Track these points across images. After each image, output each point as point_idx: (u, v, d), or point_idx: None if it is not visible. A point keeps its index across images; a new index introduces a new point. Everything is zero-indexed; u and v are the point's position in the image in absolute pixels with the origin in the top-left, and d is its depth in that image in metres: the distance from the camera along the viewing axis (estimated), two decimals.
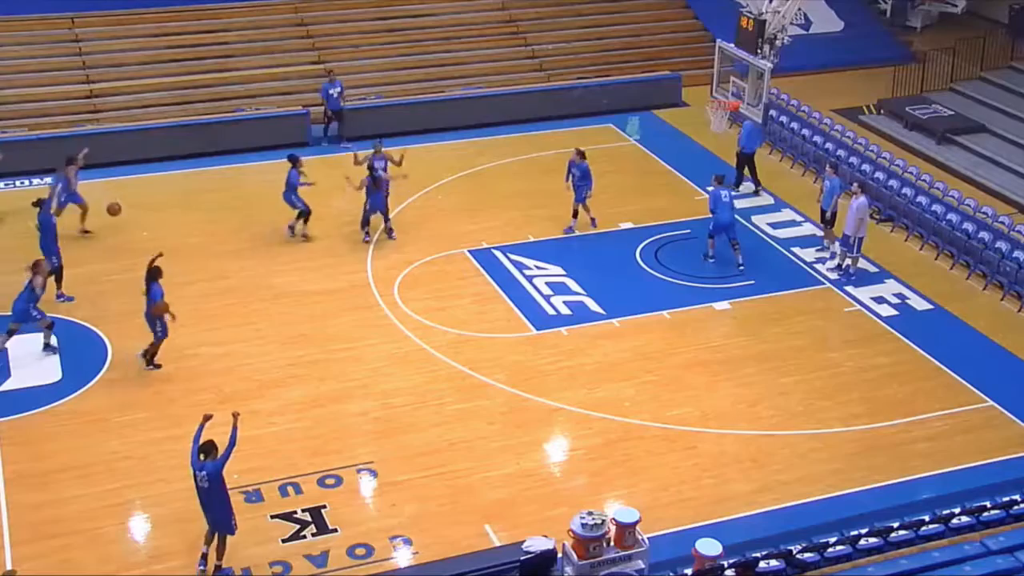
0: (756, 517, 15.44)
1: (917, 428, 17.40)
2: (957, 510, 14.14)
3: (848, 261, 21.63)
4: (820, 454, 16.77)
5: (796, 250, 22.63)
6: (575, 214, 22.95)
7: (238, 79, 29.42)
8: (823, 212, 22.18)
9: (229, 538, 14.22)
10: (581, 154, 22.76)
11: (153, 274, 18.28)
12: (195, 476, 13.87)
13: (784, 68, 24.42)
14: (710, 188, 22.31)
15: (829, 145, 25.93)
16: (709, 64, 28.75)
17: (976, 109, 28.88)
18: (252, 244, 22.02)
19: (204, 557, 14.29)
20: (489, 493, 15.85)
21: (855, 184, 21.87)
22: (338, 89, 27.00)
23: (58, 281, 20.42)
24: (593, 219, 23.15)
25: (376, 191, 21.95)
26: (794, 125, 27.00)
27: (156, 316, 18.13)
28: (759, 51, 22.80)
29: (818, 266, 22.00)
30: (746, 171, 25.00)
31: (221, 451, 13.83)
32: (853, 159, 25.27)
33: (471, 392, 18.05)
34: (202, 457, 13.78)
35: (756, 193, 24.99)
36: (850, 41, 33.84)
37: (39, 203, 20.68)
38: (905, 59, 31.86)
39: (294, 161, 22.27)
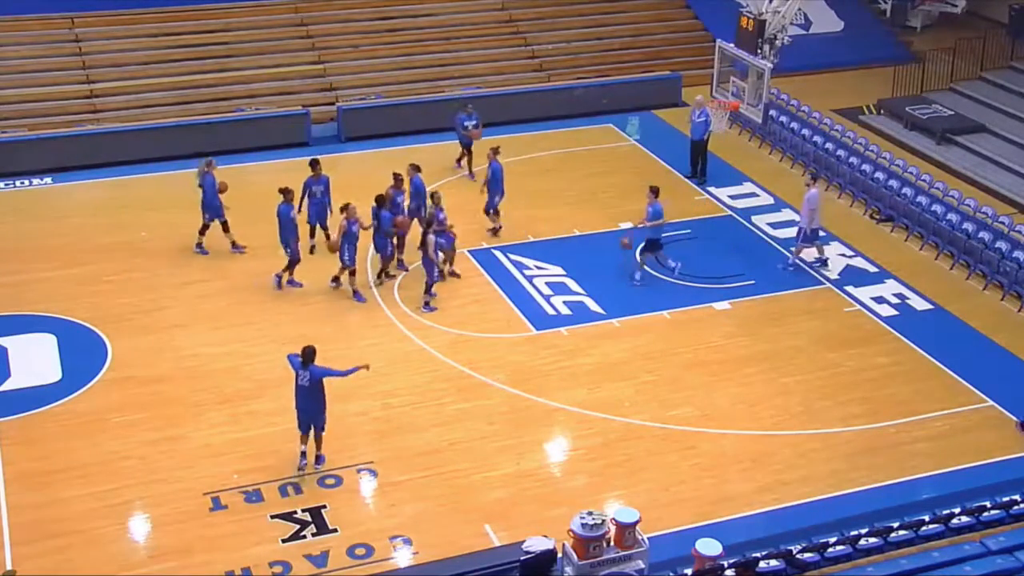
0: (756, 517, 15.45)
1: (917, 428, 17.41)
2: (957, 510, 14.15)
3: (815, 252, 21.78)
4: (820, 454, 16.78)
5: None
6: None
7: (238, 79, 29.42)
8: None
9: (323, 436, 16.23)
10: (416, 168, 21.75)
11: (380, 200, 20.31)
12: (296, 376, 15.81)
13: (784, 68, 24.39)
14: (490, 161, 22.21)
15: (829, 145, 25.94)
16: (709, 64, 28.64)
17: (976, 109, 28.87)
18: (252, 244, 21.99)
19: (303, 455, 16.16)
20: (489, 493, 15.86)
21: (807, 175, 21.94)
22: (474, 122, 25.05)
23: (290, 269, 20.82)
24: (401, 261, 21.47)
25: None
26: (794, 125, 27.00)
27: (389, 236, 20.51)
28: (759, 51, 22.79)
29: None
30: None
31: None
32: (853, 159, 25.27)
33: (471, 392, 18.05)
34: (303, 360, 15.71)
35: (699, 180, 25.58)
36: (850, 41, 33.85)
37: (285, 191, 20.54)
38: (905, 59, 31.86)
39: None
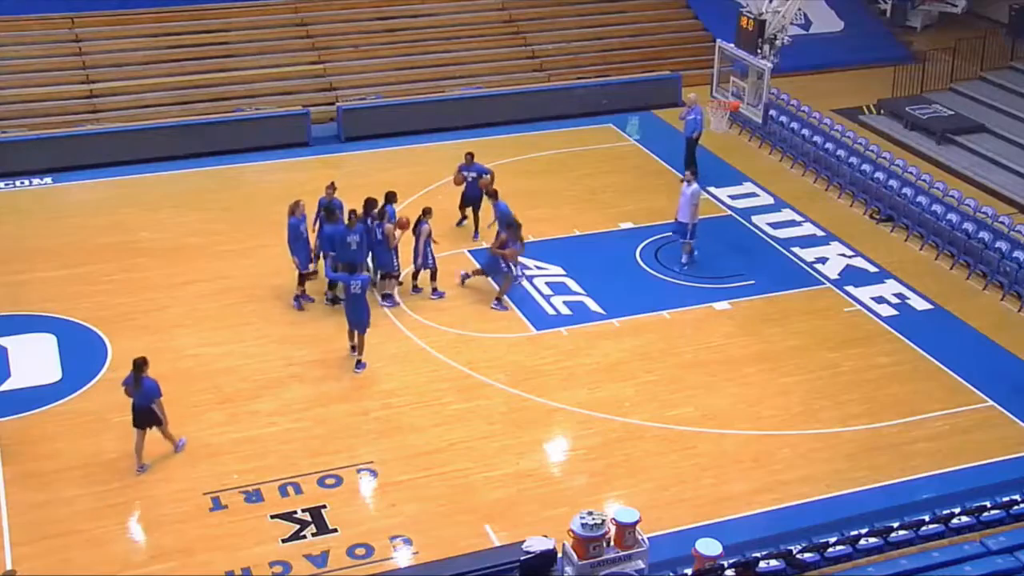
0: (756, 517, 15.45)
1: (917, 428, 17.41)
2: (957, 510, 14.15)
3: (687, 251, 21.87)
4: (820, 454, 16.78)
5: (796, 250, 22.63)
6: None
7: (238, 79, 29.40)
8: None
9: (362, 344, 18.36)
10: (296, 205, 19.84)
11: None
12: (348, 287, 18.04)
13: (784, 68, 24.40)
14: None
15: (829, 145, 25.94)
16: (709, 64, 28.60)
17: (976, 109, 28.87)
18: (252, 244, 22.00)
19: (352, 346, 18.60)
20: (489, 493, 15.86)
21: (688, 172, 21.99)
22: (474, 174, 22.38)
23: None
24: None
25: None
26: (794, 125, 26.99)
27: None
28: (759, 51, 22.80)
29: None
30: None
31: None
32: (853, 159, 25.27)
33: (471, 392, 18.05)
34: (350, 272, 18.09)
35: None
36: (850, 41, 33.83)
37: (424, 213, 20.32)
38: (905, 59, 31.86)
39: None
